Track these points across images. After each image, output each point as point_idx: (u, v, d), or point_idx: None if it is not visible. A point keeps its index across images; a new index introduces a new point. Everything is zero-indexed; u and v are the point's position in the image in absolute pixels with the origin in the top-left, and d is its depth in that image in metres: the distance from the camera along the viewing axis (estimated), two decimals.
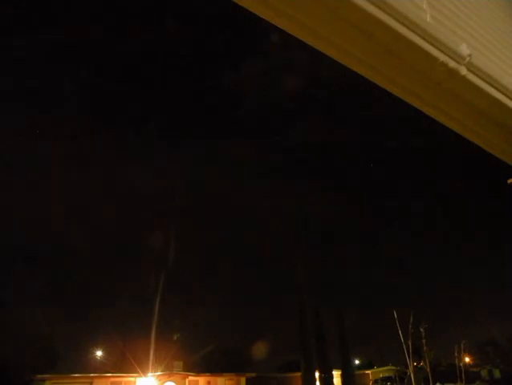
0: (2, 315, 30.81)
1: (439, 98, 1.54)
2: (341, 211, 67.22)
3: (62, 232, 56.52)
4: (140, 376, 29.91)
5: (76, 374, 28.95)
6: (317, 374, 36.11)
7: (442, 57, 1.35)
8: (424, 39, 1.30)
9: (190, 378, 32.64)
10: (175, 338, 37.78)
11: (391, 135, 58.85)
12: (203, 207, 67.65)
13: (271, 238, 67.97)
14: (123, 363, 33.37)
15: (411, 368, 34.16)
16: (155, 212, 65.02)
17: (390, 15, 1.21)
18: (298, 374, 36.07)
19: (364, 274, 63.26)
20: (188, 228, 60.40)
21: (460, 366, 37.90)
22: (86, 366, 36.48)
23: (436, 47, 1.33)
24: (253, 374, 36.47)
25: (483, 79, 1.48)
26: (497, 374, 39.71)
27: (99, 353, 37.38)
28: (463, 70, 1.40)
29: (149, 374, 30.29)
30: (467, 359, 41.21)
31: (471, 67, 1.42)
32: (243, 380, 35.29)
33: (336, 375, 37.76)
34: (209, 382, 33.55)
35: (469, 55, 1.40)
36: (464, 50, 1.39)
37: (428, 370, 34.91)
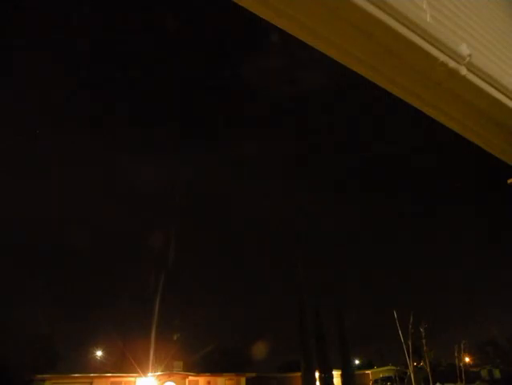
0: (2, 315, 30.83)
1: (439, 98, 1.54)
2: (341, 211, 67.21)
3: (62, 232, 56.53)
4: (140, 376, 29.92)
5: (76, 374, 28.95)
6: (317, 374, 36.11)
7: (442, 57, 1.35)
8: (424, 39, 1.30)
9: (190, 378, 32.64)
10: (175, 338, 37.81)
11: (391, 135, 58.88)
12: (203, 207, 67.68)
13: (271, 238, 67.96)
14: (123, 363, 33.39)
15: (411, 368, 34.16)
16: (155, 212, 65.03)
17: (390, 15, 1.21)
18: (298, 374, 36.08)
19: (364, 274, 63.24)
20: (188, 228, 60.41)
21: (460, 366, 37.90)
22: (86, 366, 36.53)
23: (436, 47, 1.33)
24: (254, 374, 36.48)
25: (483, 79, 1.48)
26: (497, 374, 39.71)
27: (99, 353, 37.41)
28: (463, 70, 1.40)
29: (149, 374, 30.29)
30: (467, 359, 41.21)
31: (471, 67, 1.42)
32: (243, 380, 35.30)
33: (336, 375, 37.76)
34: (209, 382, 33.55)
35: (469, 55, 1.40)
36: (464, 50, 1.39)
37: (428, 370, 34.90)
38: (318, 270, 57.19)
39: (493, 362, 41.52)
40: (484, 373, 40.71)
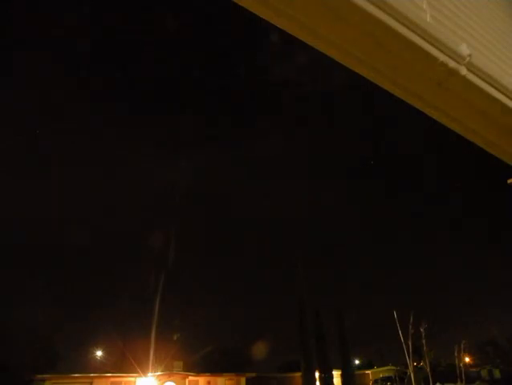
0: (2, 315, 30.84)
1: (439, 98, 1.54)
2: (341, 211, 67.22)
3: (63, 232, 56.52)
4: (140, 376, 29.92)
5: (76, 374, 28.95)
6: (317, 374, 36.12)
7: (442, 57, 1.35)
8: (424, 39, 1.30)
9: (190, 378, 32.65)
10: (175, 338, 37.81)
11: (391, 135, 58.89)
12: (203, 207, 67.69)
13: (271, 238, 67.98)
14: (123, 363, 33.39)
15: (411, 368, 34.18)
16: (155, 212, 65.02)
17: (390, 15, 1.21)
18: (298, 374, 36.09)
19: (364, 274, 63.25)
20: (188, 228, 60.39)
21: (460, 366, 37.91)
22: (86, 366, 36.53)
23: (436, 47, 1.33)
24: (254, 374, 36.48)
25: (483, 79, 1.48)
26: (497, 374, 39.71)
27: (99, 353, 37.41)
28: (463, 70, 1.40)
29: (149, 374, 30.30)
30: (467, 359, 41.21)
31: (471, 67, 1.42)
32: (243, 380, 35.30)
33: (336, 375, 37.76)
34: (209, 382, 33.55)
35: (469, 55, 1.40)
36: (464, 50, 1.39)
37: (428, 370, 34.92)
38: (318, 270, 57.23)
39: (493, 362, 41.52)
40: (484, 373, 40.71)
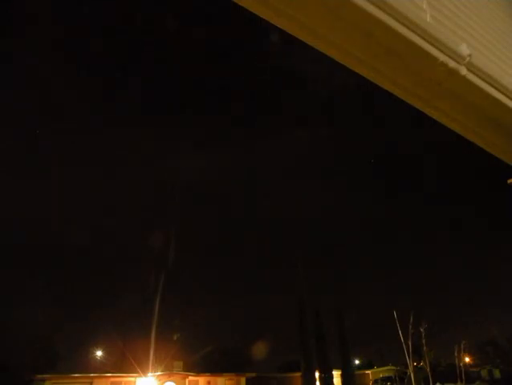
0: (2, 315, 30.84)
1: (439, 98, 1.54)
2: (341, 211, 67.23)
3: (63, 232, 56.51)
4: (140, 376, 29.92)
5: (76, 374, 28.95)
6: (317, 374, 36.12)
7: (442, 57, 1.35)
8: (424, 39, 1.30)
9: (190, 378, 32.64)
10: (175, 338, 37.80)
11: (391, 134, 58.90)
12: (203, 207, 67.69)
13: (271, 238, 67.99)
14: (123, 363, 33.38)
15: (411, 368, 34.18)
16: (155, 212, 65.02)
17: (390, 15, 1.21)
18: (298, 374, 36.09)
19: (364, 274, 63.26)
20: (188, 228, 60.40)
21: (460, 366, 37.91)
22: (86, 366, 36.50)
23: (436, 47, 1.33)
24: (254, 374, 36.47)
25: (483, 79, 1.48)
26: (497, 374, 39.70)
27: (99, 353, 37.40)
28: (463, 70, 1.40)
29: (149, 374, 30.29)
30: (467, 359, 41.21)
31: (471, 67, 1.42)
32: (243, 380, 35.30)
33: (336, 375, 37.76)
34: (209, 382, 33.55)
35: (469, 55, 1.40)
36: (464, 50, 1.39)
37: (428, 370, 34.92)
38: (318, 270, 57.23)
39: (493, 362, 41.51)
40: (484, 373, 40.71)
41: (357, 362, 48.71)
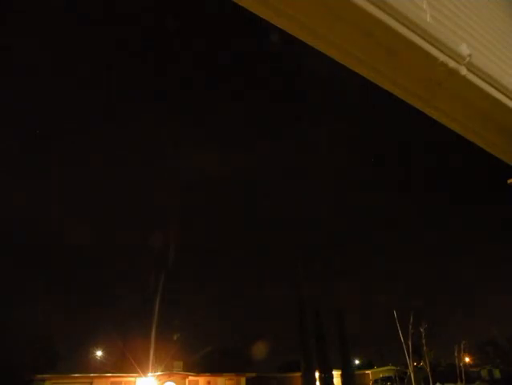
0: (2, 315, 30.84)
1: (439, 98, 1.54)
2: (341, 211, 67.27)
3: (63, 232, 56.51)
4: (140, 376, 29.92)
5: (76, 374, 28.95)
6: (317, 374, 36.12)
7: (442, 57, 1.35)
8: (424, 39, 1.30)
9: (190, 378, 32.64)
10: (175, 338, 37.81)
11: (391, 134, 58.90)
12: (203, 207, 67.69)
13: (271, 238, 67.96)
14: (123, 363, 33.36)
15: (411, 368, 34.19)
16: (155, 212, 65.01)
17: (390, 15, 1.21)
18: (298, 374, 36.09)
19: (364, 274, 63.28)
20: (188, 228, 60.42)
21: (460, 366, 37.92)
22: (86, 366, 36.49)
23: (436, 47, 1.33)
24: (254, 374, 36.48)
25: (483, 79, 1.48)
26: (497, 374, 39.71)
27: (99, 353, 37.41)
28: (463, 70, 1.40)
29: (149, 374, 30.30)
30: (467, 359, 41.22)
31: (471, 67, 1.42)
32: (243, 380, 35.30)
33: (336, 375, 37.77)
34: (209, 382, 33.55)
35: (469, 55, 1.40)
36: (464, 50, 1.39)
37: (428, 370, 34.93)
38: (318, 270, 57.23)
39: (493, 362, 41.50)
40: (484, 373, 40.71)
41: (357, 362, 48.73)
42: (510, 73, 1.64)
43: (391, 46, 1.30)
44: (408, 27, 1.26)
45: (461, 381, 37.40)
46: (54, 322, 40.68)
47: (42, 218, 53.99)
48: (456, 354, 38.58)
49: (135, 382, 29.82)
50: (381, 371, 43.59)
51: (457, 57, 1.38)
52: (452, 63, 1.37)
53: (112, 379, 29.19)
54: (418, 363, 36.98)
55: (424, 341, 35.33)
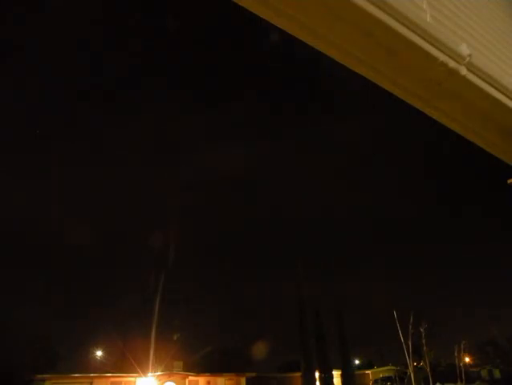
0: (2, 315, 30.84)
1: (439, 98, 1.54)
2: (341, 211, 67.26)
3: (63, 232, 56.50)
4: (140, 376, 29.91)
5: (76, 374, 28.95)
6: (317, 374, 36.11)
7: (442, 57, 1.35)
8: (424, 39, 1.30)
9: (190, 378, 32.63)
10: (175, 338, 37.82)
11: (391, 133, 58.92)
12: (203, 207, 67.68)
13: (271, 238, 67.95)
14: (123, 363, 33.36)
15: (411, 368, 34.19)
16: (155, 212, 65.00)
17: (390, 15, 1.21)
18: (298, 374, 36.08)
19: (364, 274, 63.26)
20: (188, 228, 60.39)
21: (460, 366, 37.91)
22: (86, 366, 36.49)
23: (436, 47, 1.33)
24: (254, 374, 36.46)
25: (483, 79, 1.48)
26: (497, 374, 39.70)
27: (99, 353, 37.40)
28: (463, 70, 1.40)
29: (149, 374, 30.29)
30: (467, 359, 41.21)
31: (471, 67, 1.42)
32: (243, 380, 35.29)
33: (336, 375, 37.76)
34: (209, 382, 33.54)
35: (469, 55, 1.40)
36: (464, 50, 1.39)
37: (428, 370, 34.92)
38: (318, 270, 57.22)
39: (493, 362, 41.49)
40: (484, 373, 40.70)
41: (357, 362, 48.72)
42: (510, 73, 1.64)
43: (391, 46, 1.30)
44: (408, 27, 1.26)
45: (461, 381, 37.39)
46: (54, 322, 40.70)
47: (42, 218, 54.02)
48: (456, 354, 38.60)
49: (135, 382, 29.81)
50: (381, 371, 43.58)
51: (457, 57, 1.38)
52: (452, 63, 1.37)
53: (112, 379, 29.18)
54: (418, 363, 36.98)
55: (424, 341, 35.33)
